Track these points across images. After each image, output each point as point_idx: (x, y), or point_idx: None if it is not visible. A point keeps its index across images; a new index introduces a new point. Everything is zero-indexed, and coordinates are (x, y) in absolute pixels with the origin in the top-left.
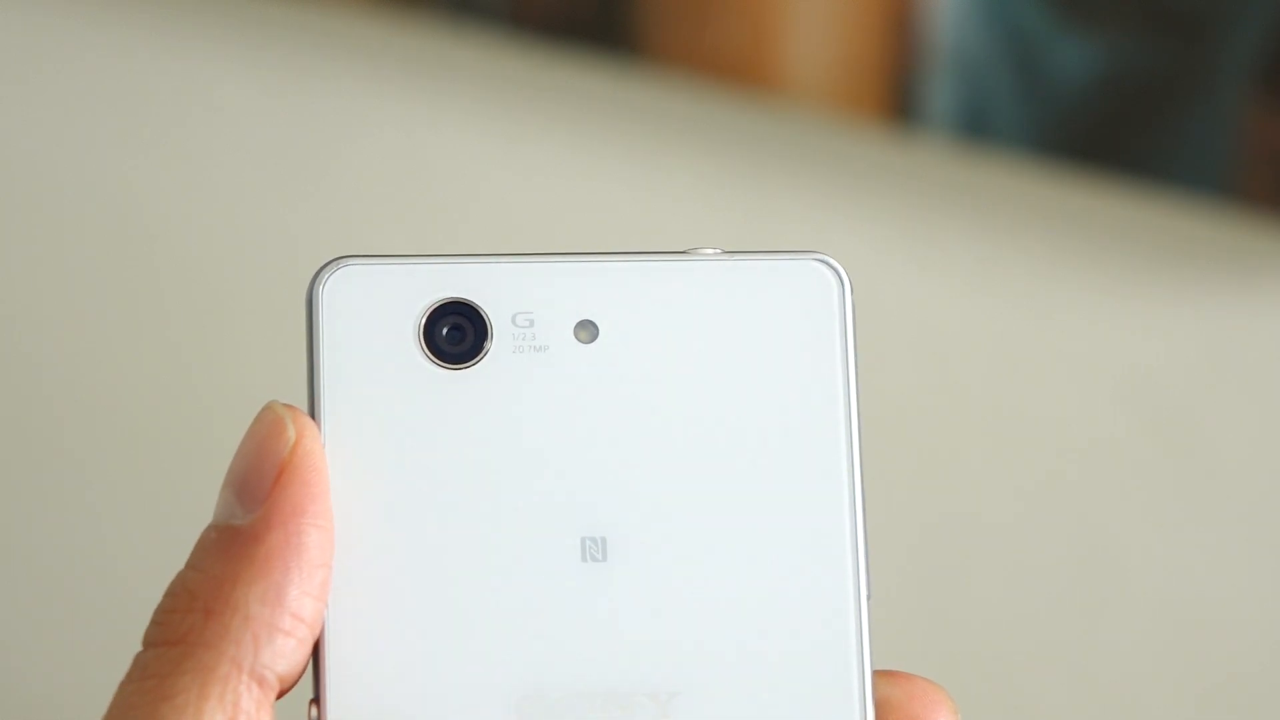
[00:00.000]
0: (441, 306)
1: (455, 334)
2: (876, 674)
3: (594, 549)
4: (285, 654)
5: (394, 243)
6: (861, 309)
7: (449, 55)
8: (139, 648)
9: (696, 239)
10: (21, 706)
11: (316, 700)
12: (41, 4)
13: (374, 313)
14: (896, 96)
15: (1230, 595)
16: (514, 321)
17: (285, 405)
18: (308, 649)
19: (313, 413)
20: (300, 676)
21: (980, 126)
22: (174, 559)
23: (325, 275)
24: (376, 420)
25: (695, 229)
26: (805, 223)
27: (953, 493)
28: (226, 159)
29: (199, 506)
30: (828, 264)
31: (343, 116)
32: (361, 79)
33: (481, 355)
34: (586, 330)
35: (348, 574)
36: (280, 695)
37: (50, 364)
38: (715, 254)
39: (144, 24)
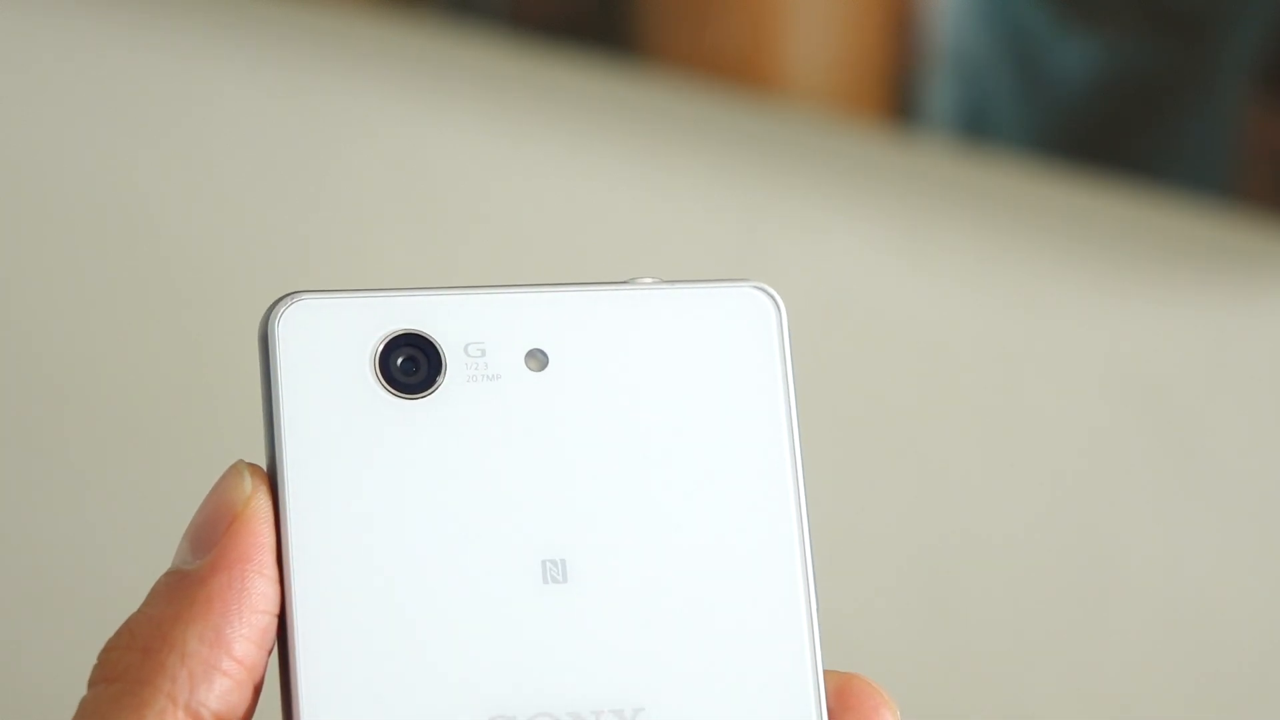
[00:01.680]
0: (396, 338)
1: (409, 365)
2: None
3: (554, 571)
4: (222, 694)
5: (393, 242)
6: (861, 308)
7: (449, 55)
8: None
9: (695, 239)
10: (23, 706)
11: None
12: (42, 4)
13: (330, 346)
14: (896, 96)
15: (1231, 594)
16: (466, 351)
17: (250, 464)
18: (246, 692)
19: (272, 446)
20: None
21: (980, 126)
22: (162, 561)
23: (280, 309)
24: (336, 453)
25: (695, 229)
26: (805, 223)
27: (952, 492)
28: (226, 158)
29: (184, 511)
30: (765, 291)
31: (343, 116)
32: (361, 79)
33: (436, 385)
34: (536, 359)
35: (317, 601)
36: None
37: (49, 363)
38: (653, 283)
39: (144, 24)
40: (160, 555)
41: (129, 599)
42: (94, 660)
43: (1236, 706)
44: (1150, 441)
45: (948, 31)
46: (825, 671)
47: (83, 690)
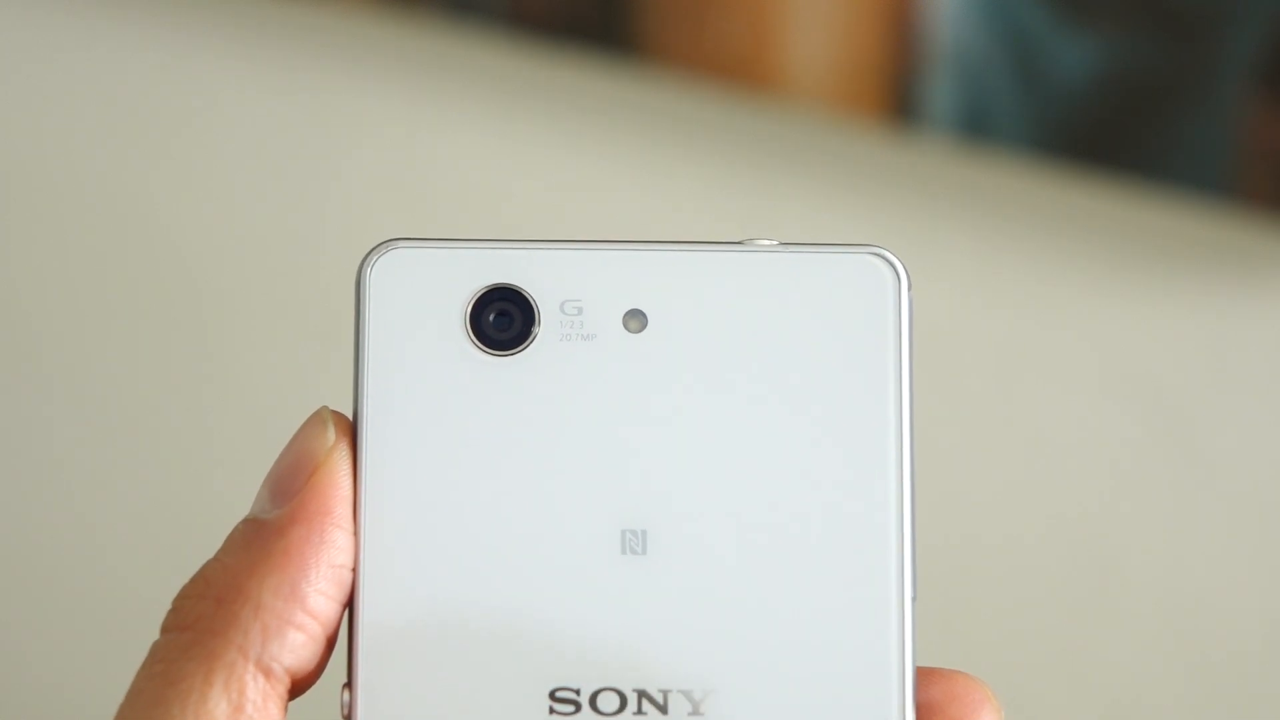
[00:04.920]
0: (489, 292)
1: (502, 320)
2: (916, 672)
3: (634, 542)
4: (295, 648)
5: None
6: None
7: (449, 55)
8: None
9: (697, 238)
10: (22, 705)
11: (349, 684)
12: (44, 5)
13: (422, 296)
14: (896, 96)
15: (1232, 593)
16: (562, 309)
17: (334, 411)
18: (319, 646)
19: (356, 394)
20: (314, 674)
21: (980, 126)
22: (176, 559)
23: (374, 257)
24: (420, 405)
25: (695, 229)
26: (805, 223)
27: (952, 493)
28: (225, 158)
29: (206, 511)
30: (884, 258)
31: (343, 116)
32: (361, 79)
33: (528, 342)
34: (636, 320)
35: (385, 558)
36: (295, 692)
37: (55, 365)
38: (770, 245)
39: (144, 24)
40: (170, 554)
41: (142, 598)
42: (94, 658)
43: (1237, 705)
44: (1150, 441)
45: (948, 31)
46: (928, 668)
47: (83, 690)
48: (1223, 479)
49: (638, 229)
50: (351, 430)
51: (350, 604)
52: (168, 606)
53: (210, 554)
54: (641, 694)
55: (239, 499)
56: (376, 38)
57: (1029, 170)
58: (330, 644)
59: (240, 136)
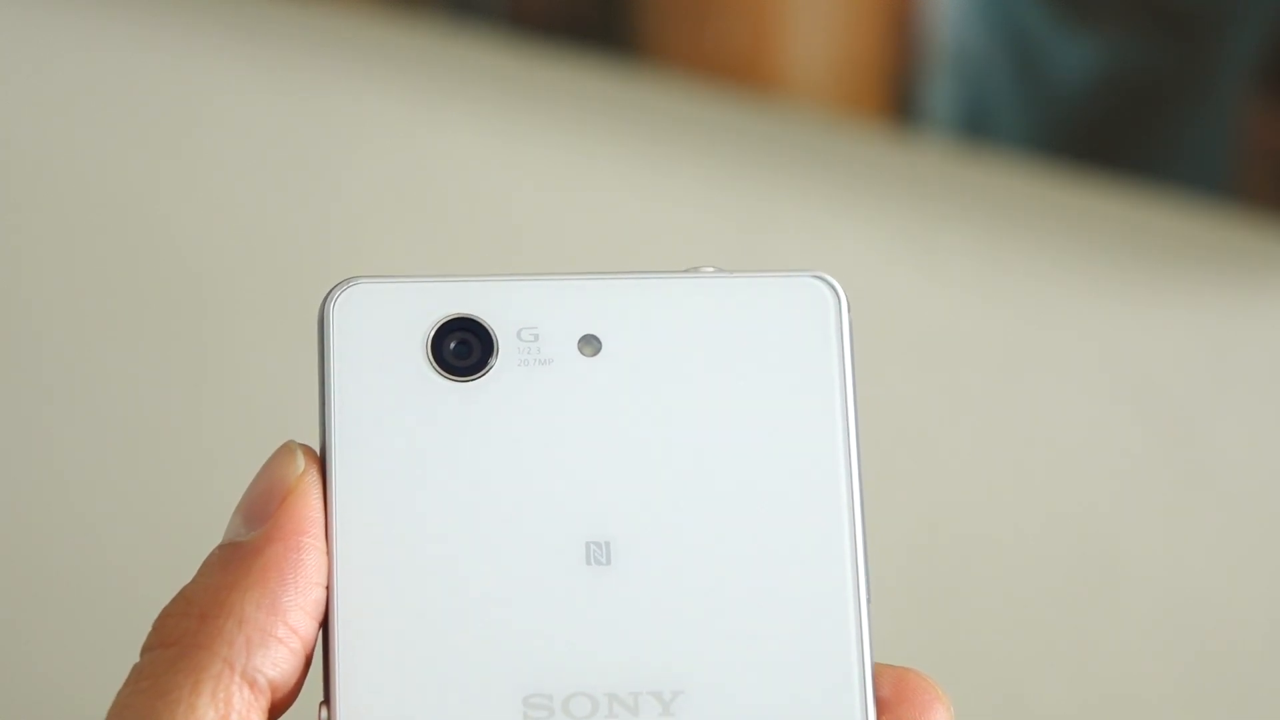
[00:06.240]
0: (448, 322)
1: (462, 349)
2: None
3: (598, 553)
4: (278, 661)
5: (393, 242)
6: (861, 309)
7: (449, 55)
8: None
9: (696, 239)
10: (23, 705)
11: (326, 701)
12: (44, 5)
13: (383, 329)
14: (896, 96)
15: (1232, 594)
16: (519, 336)
17: (301, 444)
18: (300, 660)
19: (323, 425)
20: (294, 690)
21: (980, 126)
22: (173, 563)
23: (336, 294)
24: (385, 431)
25: (695, 229)
26: (805, 223)
27: (952, 493)
28: (226, 159)
29: (199, 510)
30: (825, 281)
31: (343, 117)
32: (361, 79)
33: (487, 369)
34: (590, 344)
35: (357, 578)
36: (274, 709)
37: (56, 364)
38: (715, 272)
39: (144, 24)
40: (158, 559)
41: (128, 606)
42: (92, 658)
43: (1236, 703)
44: (1150, 441)
45: (948, 31)
46: (880, 665)
47: (84, 690)
48: (1223, 479)
49: (638, 229)
50: (319, 460)
51: (325, 622)
52: (160, 610)
53: (207, 553)
54: (612, 697)
55: (237, 499)
56: (376, 38)
57: (1029, 170)
58: (307, 662)
59: (240, 136)
